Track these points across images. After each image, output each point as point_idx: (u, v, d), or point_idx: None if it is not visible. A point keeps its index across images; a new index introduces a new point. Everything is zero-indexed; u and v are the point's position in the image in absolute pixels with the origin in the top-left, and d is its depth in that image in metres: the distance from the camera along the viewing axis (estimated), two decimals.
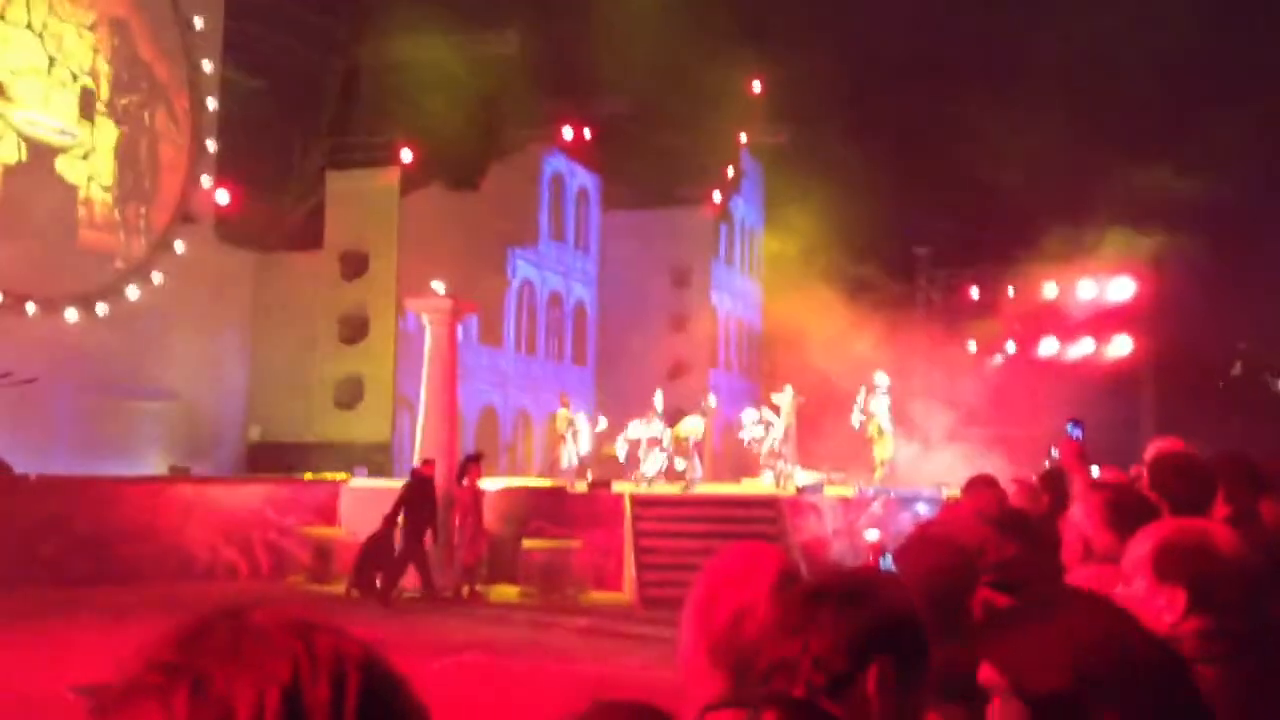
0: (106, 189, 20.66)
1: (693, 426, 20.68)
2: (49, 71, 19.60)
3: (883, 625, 1.73)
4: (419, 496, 15.81)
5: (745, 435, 21.88)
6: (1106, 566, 3.10)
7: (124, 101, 21.00)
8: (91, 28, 20.40)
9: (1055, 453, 15.08)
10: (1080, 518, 3.23)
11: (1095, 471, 6.49)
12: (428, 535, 15.70)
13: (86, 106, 20.19)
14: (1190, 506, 3.39)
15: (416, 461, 16.97)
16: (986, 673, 1.47)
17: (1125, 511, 3.13)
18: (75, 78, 20.05)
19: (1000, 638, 1.55)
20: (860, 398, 20.89)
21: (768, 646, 1.65)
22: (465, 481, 16.35)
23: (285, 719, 0.78)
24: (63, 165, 19.80)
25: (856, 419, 20.76)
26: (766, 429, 21.22)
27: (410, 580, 15.75)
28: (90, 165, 20.35)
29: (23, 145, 19.07)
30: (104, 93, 20.60)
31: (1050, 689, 1.48)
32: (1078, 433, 13.03)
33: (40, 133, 19.33)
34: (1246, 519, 3.65)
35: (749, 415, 22.14)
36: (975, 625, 3.09)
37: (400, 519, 15.76)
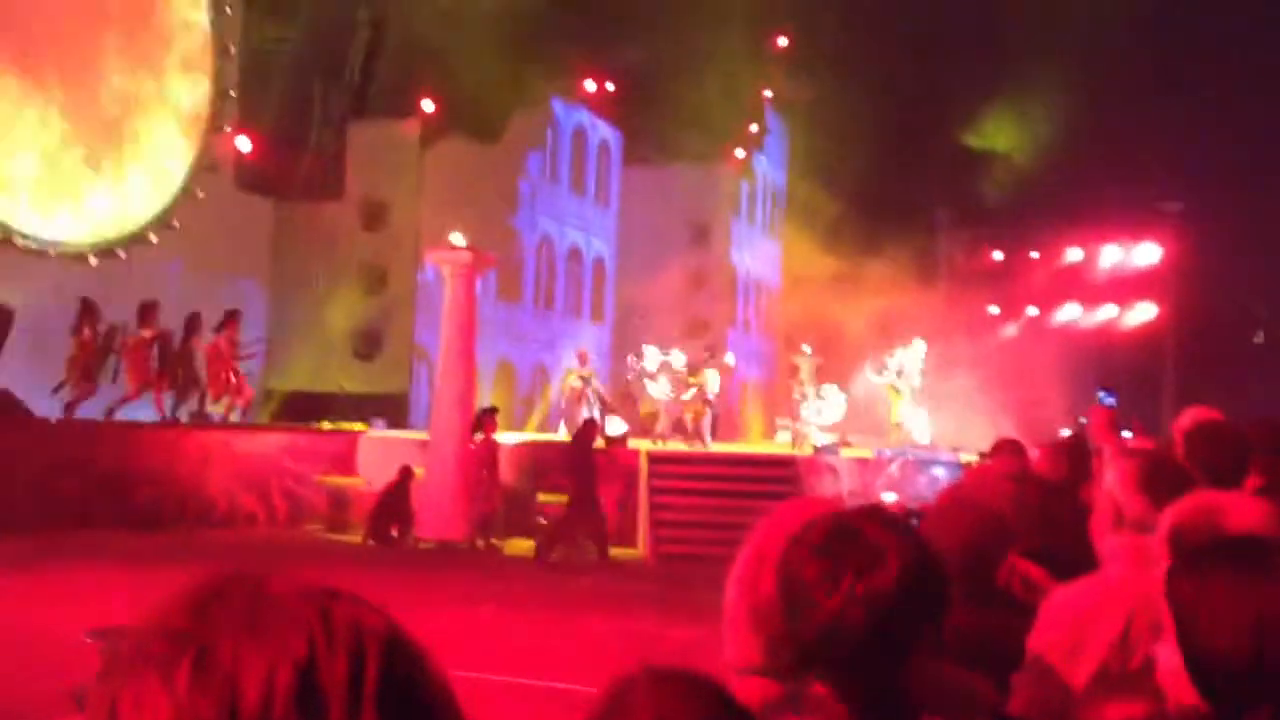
0: None
1: (709, 378, 20.66)
2: None
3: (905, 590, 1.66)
4: (583, 459, 15.76)
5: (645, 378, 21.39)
6: (1138, 534, 3.05)
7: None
8: None
9: (1084, 419, 14.98)
10: (1113, 483, 3.18)
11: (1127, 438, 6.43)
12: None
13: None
14: (1223, 475, 3.34)
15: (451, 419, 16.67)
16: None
17: (1159, 478, 3.07)
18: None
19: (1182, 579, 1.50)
20: (895, 358, 20.78)
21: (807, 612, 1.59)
22: (480, 435, 16.39)
23: (297, 698, 0.72)
24: None
25: (889, 377, 20.60)
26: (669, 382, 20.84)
27: (434, 531, 15.82)
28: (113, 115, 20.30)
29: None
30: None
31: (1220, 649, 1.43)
32: (1110, 400, 12.95)
33: None
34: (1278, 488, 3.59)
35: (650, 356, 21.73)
36: (1004, 593, 3.05)
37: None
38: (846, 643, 1.55)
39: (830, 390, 21.03)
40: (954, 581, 2.88)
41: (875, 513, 1.69)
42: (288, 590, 0.77)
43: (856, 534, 1.61)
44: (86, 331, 16.81)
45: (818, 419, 20.63)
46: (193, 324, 17.92)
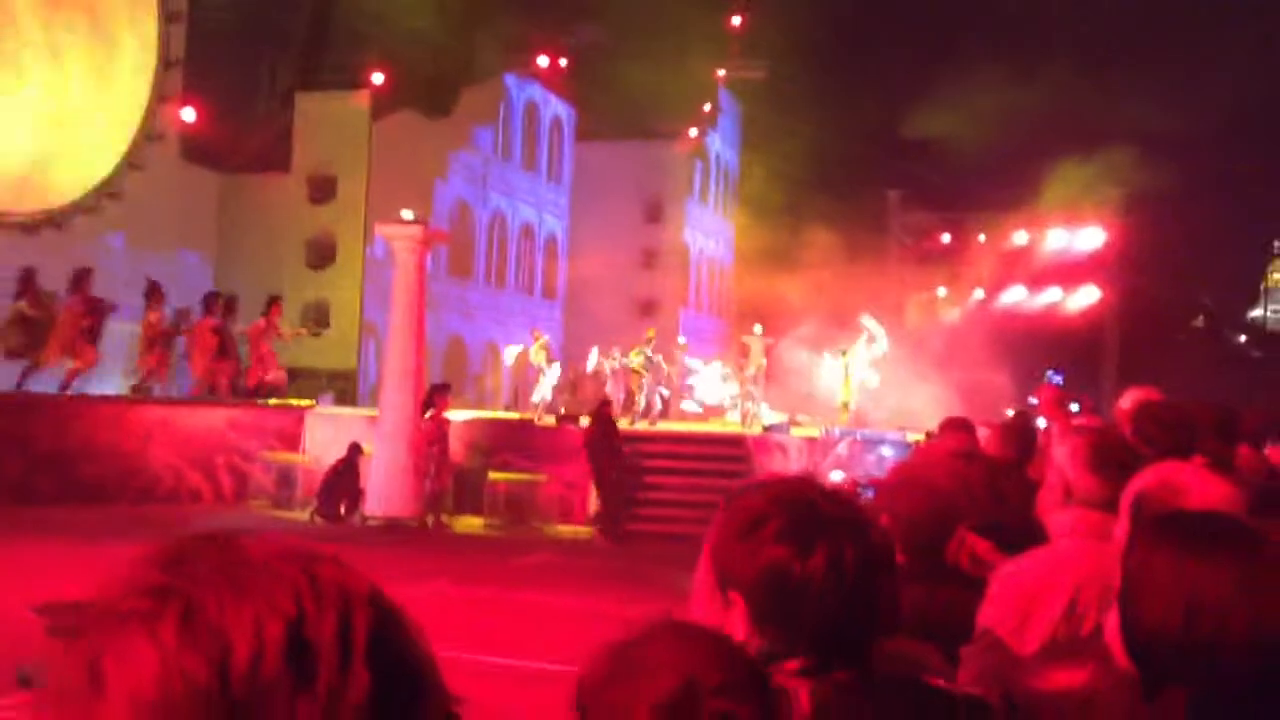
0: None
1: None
2: None
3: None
4: (604, 440, 15.80)
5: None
6: (1086, 510, 3.11)
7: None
8: None
9: (1033, 399, 15.21)
10: (1063, 460, 3.23)
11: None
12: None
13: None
14: (1170, 454, 3.41)
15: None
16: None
17: (1108, 455, 3.13)
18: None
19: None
20: (860, 344, 20.94)
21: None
22: (431, 412, 16.30)
23: (287, 654, 0.71)
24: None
25: (849, 359, 20.71)
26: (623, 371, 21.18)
27: (383, 509, 15.76)
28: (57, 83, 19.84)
29: None
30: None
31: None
32: (1058, 379, 13.17)
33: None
34: (1222, 468, 3.68)
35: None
36: (952, 568, 3.10)
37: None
38: (824, 615, 1.56)
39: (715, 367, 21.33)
40: (905, 556, 2.92)
41: (825, 489, 1.71)
42: (268, 549, 0.76)
43: (816, 510, 1.62)
44: (153, 314, 17.53)
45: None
46: (231, 306, 18.95)
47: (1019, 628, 2.68)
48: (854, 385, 20.81)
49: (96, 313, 17.01)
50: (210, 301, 18.62)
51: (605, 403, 17.29)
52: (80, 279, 17.12)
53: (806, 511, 1.62)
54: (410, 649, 0.77)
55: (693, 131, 32.98)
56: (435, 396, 16.44)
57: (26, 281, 16.58)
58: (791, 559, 1.57)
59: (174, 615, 0.71)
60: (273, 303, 19.44)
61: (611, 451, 15.90)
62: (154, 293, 17.81)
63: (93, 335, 16.95)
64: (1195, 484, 2.45)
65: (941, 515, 3.13)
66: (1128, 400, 5.31)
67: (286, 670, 0.71)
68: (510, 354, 21.77)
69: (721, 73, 33.60)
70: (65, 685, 0.72)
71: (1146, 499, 2.24)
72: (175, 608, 0.71)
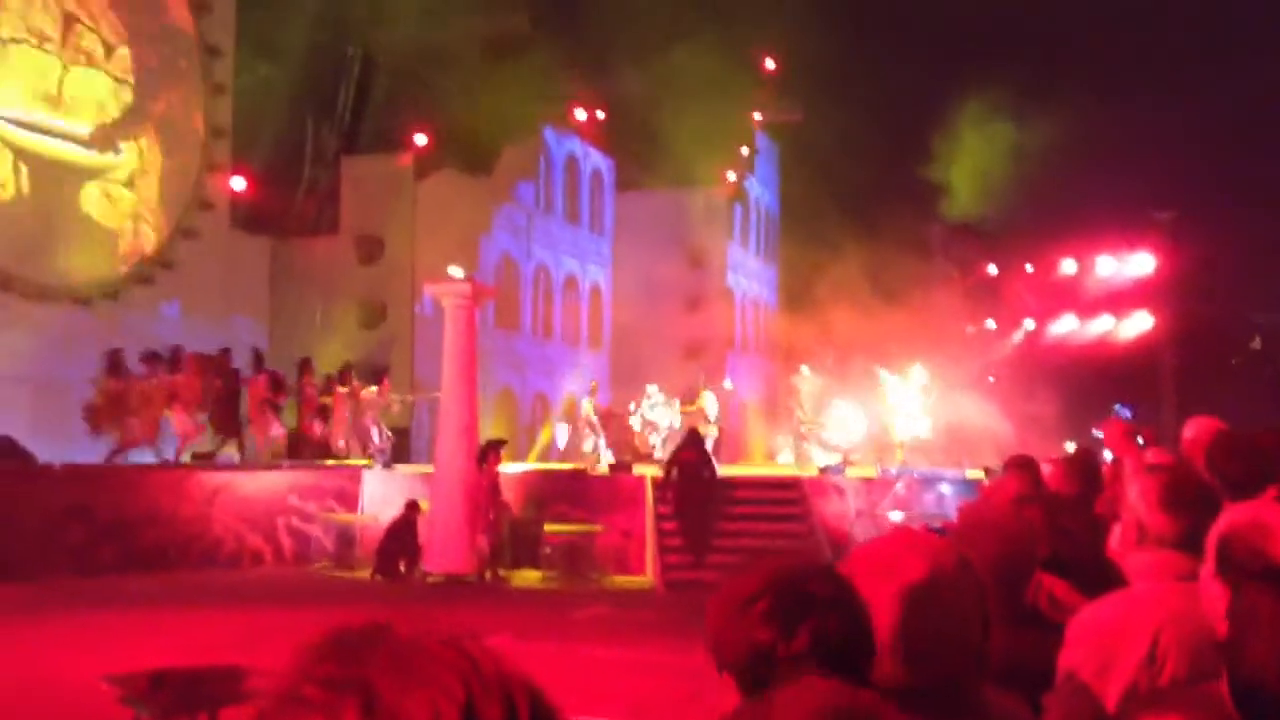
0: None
1: (706, 402, 20.71)
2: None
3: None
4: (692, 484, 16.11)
5: (642, 417, 21.71)
6: (1162, 550, 3.05)
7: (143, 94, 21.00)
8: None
9: (1098, 432, 14.99)
10: (1135, 500, 3.18)
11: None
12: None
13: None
14: (1245, 488, 3.35)
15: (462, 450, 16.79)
16: None
17: (1181, 493, 3.07)
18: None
19: None
20: (895, 382, 20.80)
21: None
22: (485, 467, 16.34)
23: None
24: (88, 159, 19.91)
25: (896, 399, 20.58)
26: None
27: (442, 565, 15.80)
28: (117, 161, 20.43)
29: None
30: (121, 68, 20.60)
31: None
32: (1126, 413, 12.97)
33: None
34: None
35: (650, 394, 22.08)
36: (1032, 611, 3.06)
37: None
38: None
39: (843, 407, 21.07)
40: (987, 602, 2.88)
41: (818, 568, 1.71)
42: (429, 637, 0.78)
43: (805, 590, 1.63)
44: (262, 377, 18.57)
45: (840, 437, 20.62)
46: (345, 376, 19.94)
47: (1100, 673, 2.65)
48: (905, 425, 20.64)
49: (280, 390, 18.41)
50: (260, 364, 19.19)
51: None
52: (259, 360, 18.97)
53: (795, 592, 1.62)
54: None
55: (731, 176, 33.14)
56: (489, 452, 16.50)
57: (114, 361, 17.12)
58: (776, 641, 1.56)
59: (355, 706, 0.73)
60: (383, 375, 20.47)
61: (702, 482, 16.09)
62: (259, 361, 18.98)
63: (277, 410, 18.37)
64: None
65: (1015, 558, 3.09)
66: (1191, 430, 5.23)
67: None
68: (566, 403, 21.88)
69: (758, 116, 33.79)
70: None
71: (1235, 540, 2.20)
72: (355, 698, 0.73)
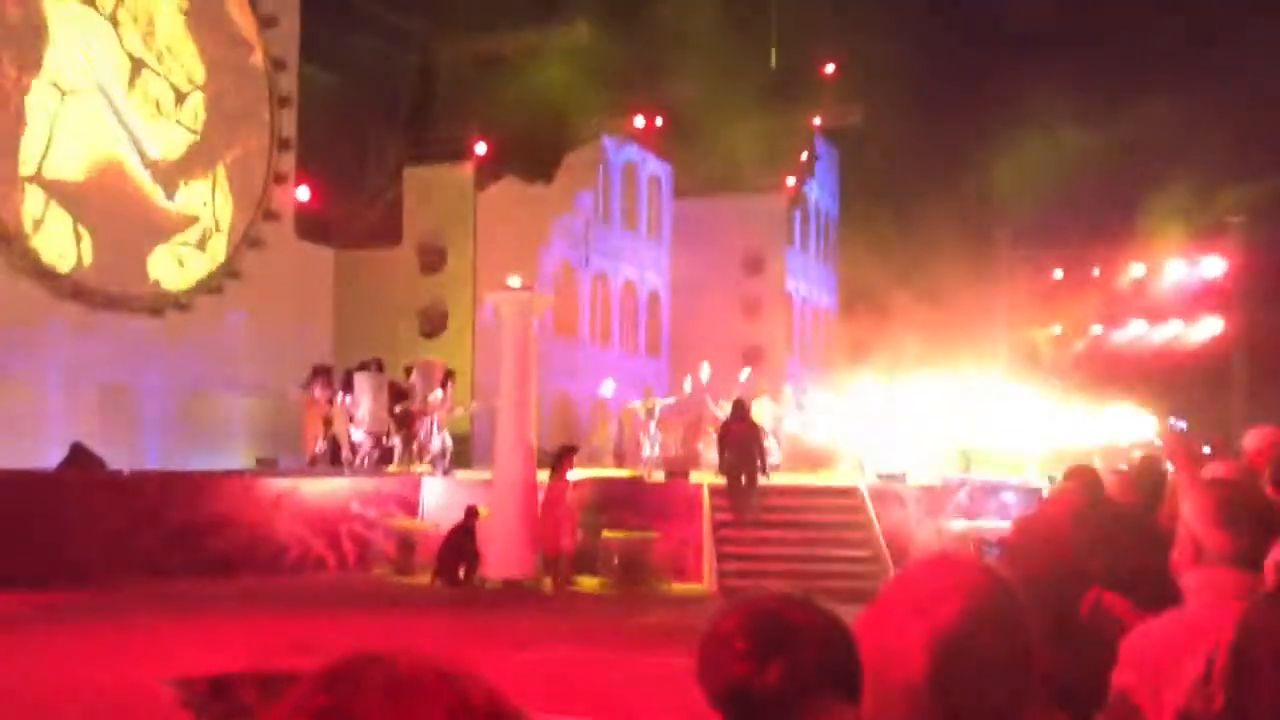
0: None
1: (762, 409, 20.58)
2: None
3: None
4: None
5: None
6: (1218, 568, 2.97)
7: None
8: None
9: (1159, 441, 14.72)
10: (1190, 517, 3.11)
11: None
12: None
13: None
14: None
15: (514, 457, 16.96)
16: None
17: (1238, 508, 3.00)
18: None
19: None
20: (957, 388, 20.54)
21: None
22: (558, 474, 16.40)
23: None
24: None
25: (958, 406, 20.30)
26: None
27: (501, 571, 15.91)
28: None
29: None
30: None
31: None
32: (1181, 425, 12.71)
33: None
34: None
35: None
36: (1085, 627, 3.01)
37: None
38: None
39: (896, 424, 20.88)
40: (1036, 618, 2.84)
41: (795, 598, 1.70)
42: (420, 668, 0.80)
43: (779, 620, 1.62)
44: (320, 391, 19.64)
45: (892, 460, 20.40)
46: (380, 365, 20.67)
47: (1153, 695, 2.59)
48: (968, 431, 20.36)
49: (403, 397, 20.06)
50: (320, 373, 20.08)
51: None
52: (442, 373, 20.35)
53: (769, 624, 1.61)
54: None
55: (790, 181, 32.98)
56: (562, 459, 16.55)
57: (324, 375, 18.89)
58: (751, 676, 1.56)
59: None
60: (448, 376, 20.91)
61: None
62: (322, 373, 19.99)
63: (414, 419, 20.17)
64: None
65: (1067, 572, 3.05)
66: (1253, 441, 5.09)
67: None
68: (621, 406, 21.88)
69: (817, 121, 33.61)
70: None
71: None
72: None
